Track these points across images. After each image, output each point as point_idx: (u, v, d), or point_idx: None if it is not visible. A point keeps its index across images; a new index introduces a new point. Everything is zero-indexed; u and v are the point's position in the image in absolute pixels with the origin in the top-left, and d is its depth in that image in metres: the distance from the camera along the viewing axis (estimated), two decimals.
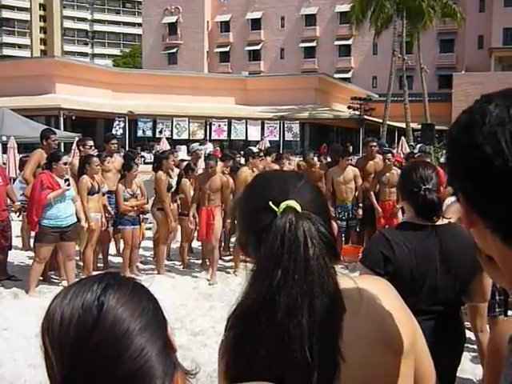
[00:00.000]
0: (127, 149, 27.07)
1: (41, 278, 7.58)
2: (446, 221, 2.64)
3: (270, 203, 1.10)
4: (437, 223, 2.58)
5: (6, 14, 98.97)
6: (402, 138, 19.87)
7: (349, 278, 1.20)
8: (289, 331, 1.02)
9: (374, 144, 9.96)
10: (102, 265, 8.81)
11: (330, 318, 1.03)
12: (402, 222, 2.96)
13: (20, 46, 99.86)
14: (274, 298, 1.03)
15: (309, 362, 1.00)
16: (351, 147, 24.51)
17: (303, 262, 1.03)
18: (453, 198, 4.47)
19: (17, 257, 9.11)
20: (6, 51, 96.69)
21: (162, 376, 0.90)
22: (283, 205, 1.09)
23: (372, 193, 9.17)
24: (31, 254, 8.67)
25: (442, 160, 10.73)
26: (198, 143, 22.25)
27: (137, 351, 0.88)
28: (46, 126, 20.12)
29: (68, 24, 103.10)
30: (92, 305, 0.90)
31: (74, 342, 0.87)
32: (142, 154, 25.83)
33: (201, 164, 10.59)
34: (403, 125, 34.73)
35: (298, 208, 1.09)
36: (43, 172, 7.34)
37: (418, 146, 10.17)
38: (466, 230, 2.64)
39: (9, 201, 8.23)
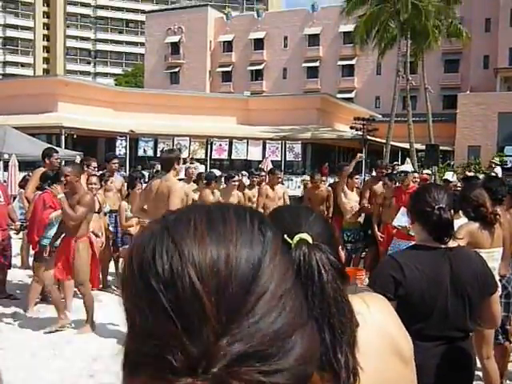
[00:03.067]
0: (128, 168, 26.90)
1: (39, 297, 7.58)
2: (456, 243, 2.69)
3: (285, 236, 1.14)
4: (448, 245, 2.59)
5: (10, 33, 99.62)
6: (407, 159, 19.59)
7: (354, 296, 1.30)
8: None
9: (383, 171, 9.92)
10: (101, 284, 8.68)
11: (347, 333, 1.09)
12: (412, 244, 2.85)
13: (23, 65, 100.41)
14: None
15: (336, 374, 1.05)
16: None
17: (319, 286, 1.09)
18: (463, 220, 4.40)
19: (15, 276, 9.11)
20: (10, 70, 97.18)
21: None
22: (297, 237, 1.17)
23: (374, 217, 9.08)
24: (30, 272, 8.72)
25: (448, 177, 10.67)
26: (189, 162, 22.10)
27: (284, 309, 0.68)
28: (47, 144, 20.00)
29: (71, 43, 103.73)
30: (252, 241, 0.67)
31: (233, 286, 0.64)
32: (143, 172, 25.60)
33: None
34: (407, 145, 34.52)
35: (310, 240, 1.17)
36: (46, 191, 7.27)
37: (402, 167, 10.07)
38: (475, 255, 2.73)
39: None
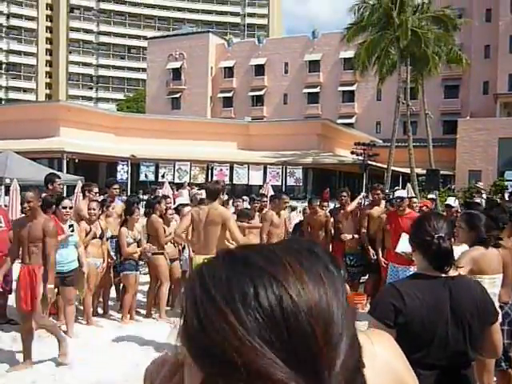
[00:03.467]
0: (129, 193, 26.91)
1: None
2: (457, 272, 2.68)
3: None
4: (449, 274, 2.59)
5: (13, 58, 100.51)
6: (408, 184, 19.59)
7: (360, 332, 1.13)
8: None
9: (379, 192, 9.80)
10: (101, 310, 8.73)
11: (358, 374, 0.95)
12: (413, 273, 2.92)
13: (25, 90, 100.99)
14: None
15: None
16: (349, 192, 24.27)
17: None
18: (464, 247, 4.38)
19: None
20: (12, 95, 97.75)
21: None
22: None
23: (378, 242, 9.02)
24: None
25: (450, 203, 10.69)
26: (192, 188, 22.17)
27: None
28: (49, 169, 20.12)
29: (73, 69, 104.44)
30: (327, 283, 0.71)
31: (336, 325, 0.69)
32: (140, 197, 25.59)
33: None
34: (408, 170, 34.58)
35: None
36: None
37: (397, 192, 10.04)
38: (475, 284, 2.73)
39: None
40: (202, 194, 13.66)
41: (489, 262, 4.19)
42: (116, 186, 9.56)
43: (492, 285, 4.11)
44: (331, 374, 0.65)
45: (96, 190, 8.92)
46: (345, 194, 9.91)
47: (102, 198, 9.56)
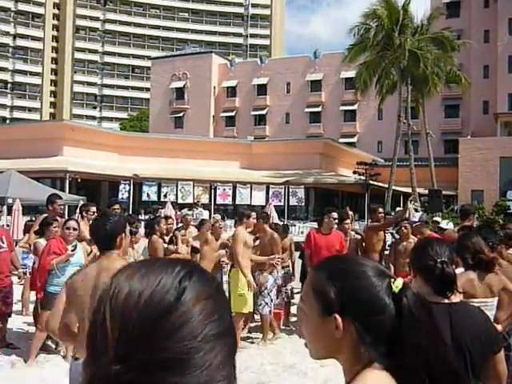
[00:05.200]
0: (131, 212, 26.93)
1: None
2: (458, 298, 2.63)
3: (392, 283, 1.24)
4: (451, 299, 2.55)
5: (19, 78, 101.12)
6: (409, 204, 19.51)
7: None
8: None
9: (381, 211, 9.74)
10: None
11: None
12: None
13: (30, 110, 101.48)
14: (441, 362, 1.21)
15: None
16: (350, 211, 24.22)
17: (431, 331, 1.24)
18: (460, 270, 4.31)
19: (14, 323, 8.88)
20: (17, 114, 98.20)
21: None
22: (398, 284, 1.23)
23: (391, 265, 8.82)
24: (29, 320, 8.54)
25: (444, 225, 10.58)
26: (187, 208, 22.18)
27: (204, 360, 0.74)
28: (51, 189, 20.21)
29: (78, 88, 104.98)
30: (172, 285, 0.76)
31: (141, 320, 0.74)
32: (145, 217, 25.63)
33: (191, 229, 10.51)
34: (409, 189, 34.60)
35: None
36: (54, 238, 7.23)
37: (418, 214, 10.03)
38: (478, 311, 2.69)
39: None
40: (201, 213, 13.71)
41: (481, 286, 4.20)
42: (116, 207, 9.39)
43: (483, 309, 4.13)
44: (113, 368, 0.73)
45: (94, 209, 8.84)
46: (381, 209, 9.68)
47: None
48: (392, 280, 1.27)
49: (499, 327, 4.09)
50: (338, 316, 1.28)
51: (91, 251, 7.81)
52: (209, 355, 0.74)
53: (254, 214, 8.41)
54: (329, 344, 1.32)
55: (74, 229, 7.17)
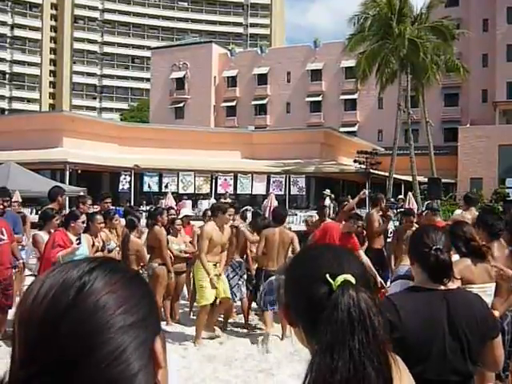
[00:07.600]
0: (133, 203, 26.97)
1: None
2: (455, 284, 2.68)
3: (327, 276, 1.17)
4: (447, 286, 2.57)
5: (17, 68, 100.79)
6: (409, 193, 19.60)
7: None
8: None
9: (384, 200, 9.92)
10: None
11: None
12: (410, 286, 2.89)
13: (29, 100, 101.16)
14: (356, 369, 1.09)
15: None
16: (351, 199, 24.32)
17: (372, 332, 1.09)
18: (455, 257, 4.36)
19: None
20: (16, 105, 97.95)
21: None
22: (341, 278, 1.16)
23: (392, 256, 8.94)
24: None
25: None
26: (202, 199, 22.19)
27: (114, 353, 0.74)
28: (51, 180, 20.27)
29: (77, 79, 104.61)
30: (72, 283, 0.77)
31: (41, 322, 0.75)
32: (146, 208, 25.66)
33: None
34: (409, 178, 34.66)
35: (353, 281, 1.17)
36: (58, 230, 7.20)
37: (426, 203, 10.10)
38: (475, 297, 2.70)
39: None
40: (201, 203, 13.64)
41: (478, 271, 4.25)
42: (108, 200, 9.61)
43: (483, 294, 4.19)
44: (19, 373, 0.74)
45: (90, 202, 8.98)
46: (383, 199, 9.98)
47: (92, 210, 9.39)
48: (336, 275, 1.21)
49: (496, 313, 4.15)
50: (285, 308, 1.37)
51: (93, 243, 7.87)
52: (122, 346, 0.75)
53: (231, 210, 8.18)
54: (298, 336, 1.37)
55: (83, 222, 7.22)
